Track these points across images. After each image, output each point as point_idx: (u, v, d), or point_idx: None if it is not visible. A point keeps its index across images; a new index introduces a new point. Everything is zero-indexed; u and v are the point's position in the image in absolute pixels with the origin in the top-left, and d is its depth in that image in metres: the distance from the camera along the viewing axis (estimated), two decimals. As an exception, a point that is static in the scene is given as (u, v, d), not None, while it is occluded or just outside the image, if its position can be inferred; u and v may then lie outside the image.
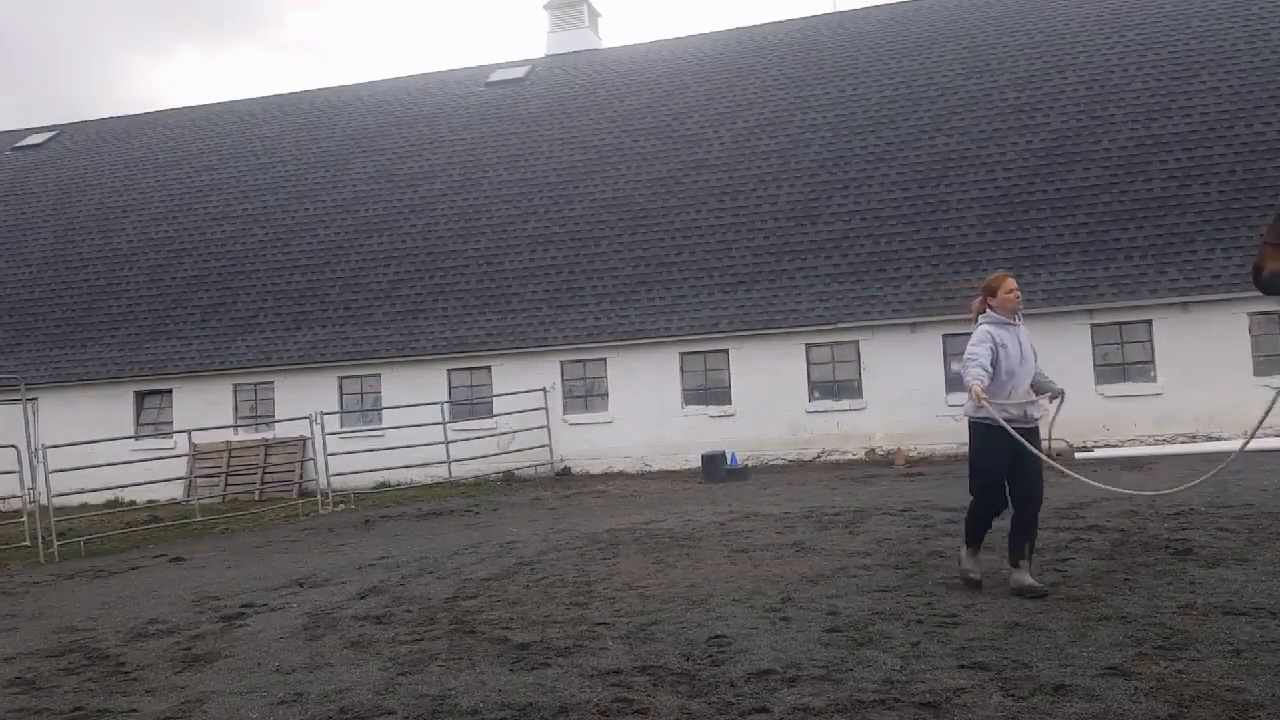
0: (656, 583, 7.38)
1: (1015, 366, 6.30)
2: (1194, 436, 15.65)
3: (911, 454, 16.51)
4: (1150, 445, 15.50)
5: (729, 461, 16.00)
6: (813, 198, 18.75)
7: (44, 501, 12.99)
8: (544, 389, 18.65)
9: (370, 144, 23.00)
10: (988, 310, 6.50)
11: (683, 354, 18.29)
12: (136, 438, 19.35)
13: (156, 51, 78.76)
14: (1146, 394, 16.11)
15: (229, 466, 19.74)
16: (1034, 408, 6.40)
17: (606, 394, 18.70)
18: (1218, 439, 15.31)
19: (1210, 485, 10.48)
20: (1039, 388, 6.48)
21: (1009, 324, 6.41)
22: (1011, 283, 6.45)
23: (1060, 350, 15.23)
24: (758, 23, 25.08)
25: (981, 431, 6.31)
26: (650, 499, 13.50)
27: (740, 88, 21.30)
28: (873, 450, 17.22)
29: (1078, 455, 15.23)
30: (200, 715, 5.06)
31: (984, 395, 6.09)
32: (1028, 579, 6.18)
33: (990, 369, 6.22)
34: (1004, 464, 6.23)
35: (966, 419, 6.51)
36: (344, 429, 18.79)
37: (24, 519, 13.31)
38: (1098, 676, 4.52)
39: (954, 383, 17.15)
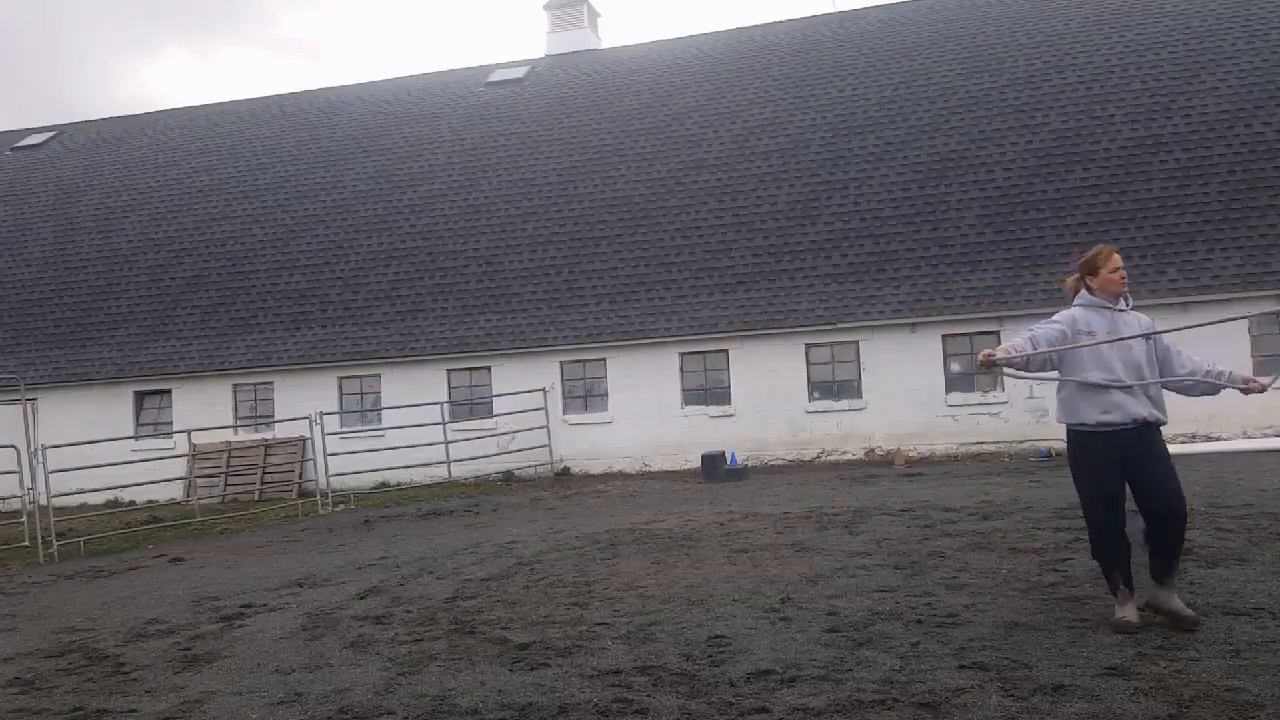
0: (656, 583, 7.37)
1: (1110, 359, 5.22)
2: (1194, 436, 15.65)
3: (911, 454, 16.51)
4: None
5: (729, 461, 16.01)
6: (812, 198, 18.75)
7: (44, 501, 12.98)
8: (544, 389, 18.65)
9: (370, 144, 23.00)
10: (1084, 291, 5.46)
11: (683, 354, 18.29)
12: (136, 438, 19.34)
13: (150, 52, 78.80)
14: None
15: (229, 467, 19.74)
16: (1143, 406, 5.21)
17: (606, 394, 18.70)
18: (1217, 439, 15.31)
19: (1210, 485, 10.50)
20: (1183, 387, 5.36)
21: (1106, 308, 5.36)
22: (1117, 260, 5.32)
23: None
24: (758, 23, 25.11)
25: (1077, 439, 5.35)
26: (650, 499, 13.50)
27: (740, 88, 21.30)
28: (873, 450, 17.22)
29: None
30: (200, 715, 5.06)
31: (997, 359, 5.15)
32: (1173, 601, 5.21)
33: (1045, 348, 5.26)
34: (1110, 472, 5.21)
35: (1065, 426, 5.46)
36: (344, 429, 18.79)
37: (24, 519, 13.31)
38: (1097, 676, 4.52)
39: (954, 383, 17.17)
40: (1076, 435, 5.37)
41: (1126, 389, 5.18)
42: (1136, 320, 5.38)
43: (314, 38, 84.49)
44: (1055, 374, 5.47)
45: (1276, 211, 16.23)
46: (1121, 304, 5.38)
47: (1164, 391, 5.38)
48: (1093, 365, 5.24)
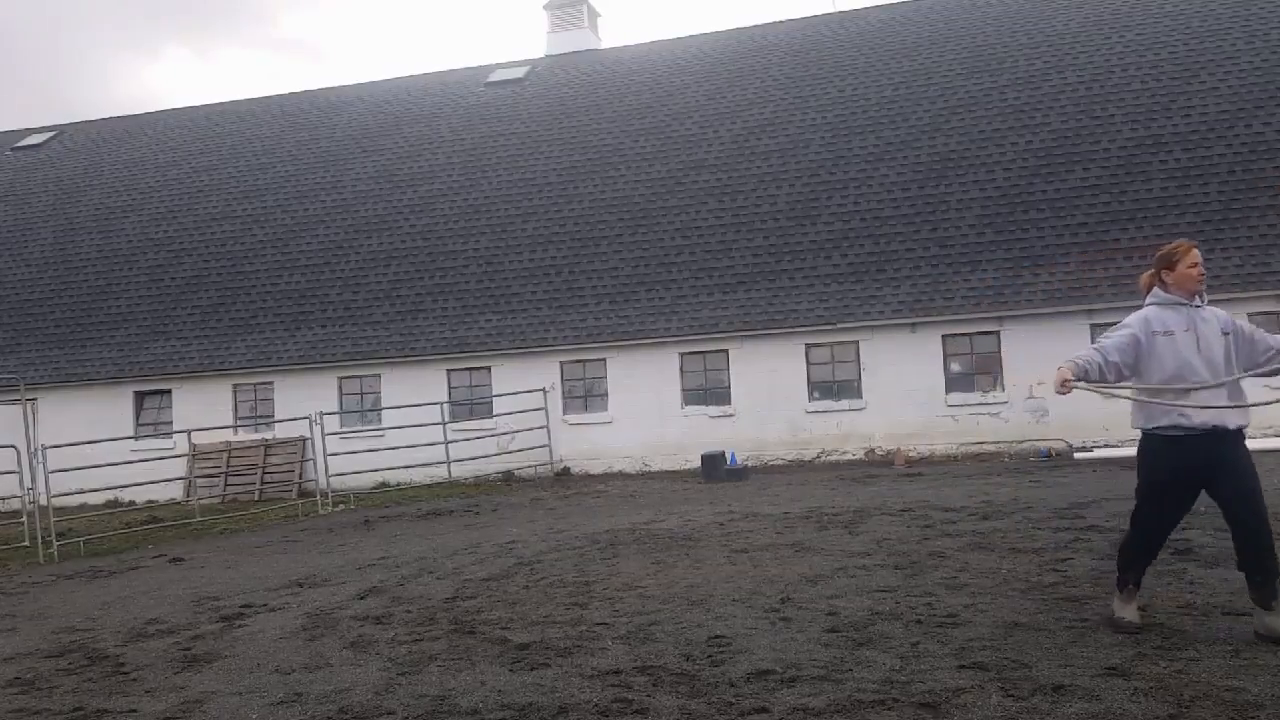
0: (656, 583, 7.37)
1: (1191, 358, 5.02)
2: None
3: (911, 454, 16.51)
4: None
5: (729, 461, 16.01)
6: (812, 198, 18.75)
7: (43, 501, 12.98)
8: (544, 389, 18.65)
9: (370, 144, 23.00)
10: (1158, 288, 5.25)
11: (683, 354, 18.29)
12: (136, 438, 19.34)
13: (150, 52, 78.81)
14: (1146, 394, 16.08)
15: (229, 467, 19.74)
16: (1233, 413, 5.01)
17: (606, 394, 18.70)
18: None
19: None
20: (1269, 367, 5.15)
21: (1182, 305, 5.14)
22: (1196, 255, 5.12)
23: (1060, 350, 15.20)
24: (758, 23, 25.10)
25: (1153, 442, 5.14)
26: (650, 499, 13.50)
27: (740, 88, 21.30)
28: (873, 450, 17.22)
29: (1077, 455, 15.25)
30: (200, 715, 5.06)
31: (1070, 380, 4.98)
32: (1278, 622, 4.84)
33: (1115, 358, 5.08)
34: (1180, 479, 5.06)
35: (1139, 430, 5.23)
36: (344, 429, 18.79)
37: (23, 519, 13.30)
38: (1097, 676, 4.52)
39: (954, 383, 17.17)
40: (1153, 439, 5.15)
41: (1211, 389, 4.97)
42: (1214, 316, 5.15)
43: (314, 38, 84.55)
44: (1134, 382, 5.26)
45: (1276, 211, 16.23)
46: (1197, 300, 5.17)
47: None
48: (1173, 365, 5.05)
